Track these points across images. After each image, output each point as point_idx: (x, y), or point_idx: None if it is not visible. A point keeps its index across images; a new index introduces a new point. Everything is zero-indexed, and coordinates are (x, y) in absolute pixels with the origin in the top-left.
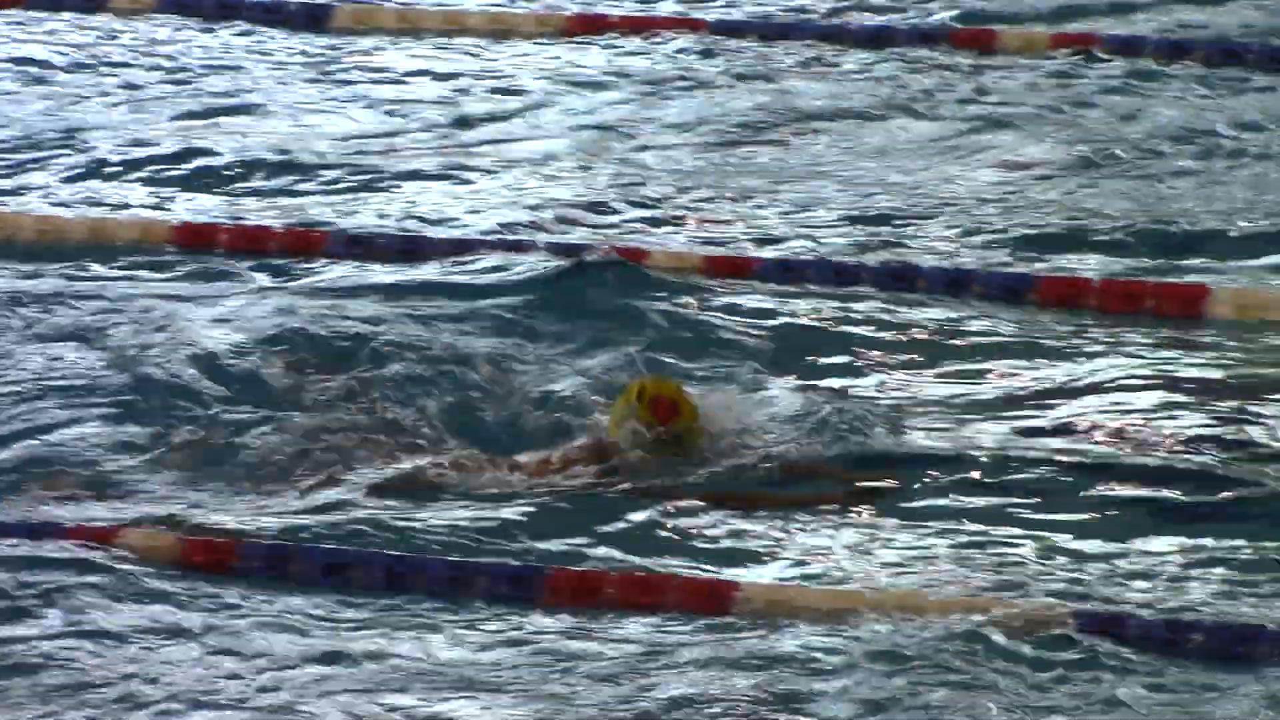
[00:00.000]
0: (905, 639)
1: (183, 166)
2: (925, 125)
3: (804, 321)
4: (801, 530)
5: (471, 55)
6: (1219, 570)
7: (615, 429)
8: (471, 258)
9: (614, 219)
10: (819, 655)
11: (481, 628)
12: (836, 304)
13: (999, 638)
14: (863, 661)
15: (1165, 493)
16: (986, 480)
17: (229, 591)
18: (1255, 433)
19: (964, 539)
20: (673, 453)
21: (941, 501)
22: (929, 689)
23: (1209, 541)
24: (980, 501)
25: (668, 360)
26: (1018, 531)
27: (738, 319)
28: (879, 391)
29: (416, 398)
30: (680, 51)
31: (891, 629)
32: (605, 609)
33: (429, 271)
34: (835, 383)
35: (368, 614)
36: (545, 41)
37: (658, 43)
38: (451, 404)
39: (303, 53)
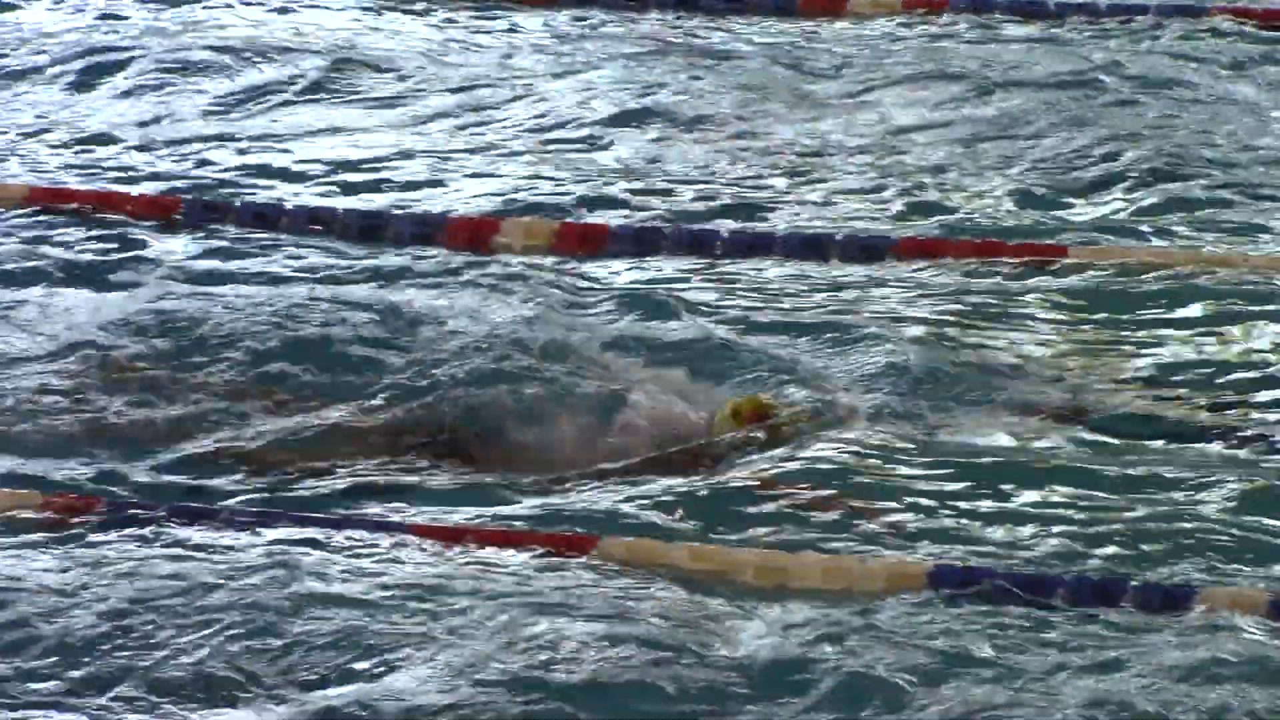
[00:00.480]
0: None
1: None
2: (787, 90)
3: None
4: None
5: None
6: (1079, 526)
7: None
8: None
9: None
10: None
11: None
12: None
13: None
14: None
15: (1031, 446)
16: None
17: None
18: (1112, 390)
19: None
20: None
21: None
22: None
23: (1064, 496)
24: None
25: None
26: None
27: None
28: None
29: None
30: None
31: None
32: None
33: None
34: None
35: None
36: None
37: None
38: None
39: None
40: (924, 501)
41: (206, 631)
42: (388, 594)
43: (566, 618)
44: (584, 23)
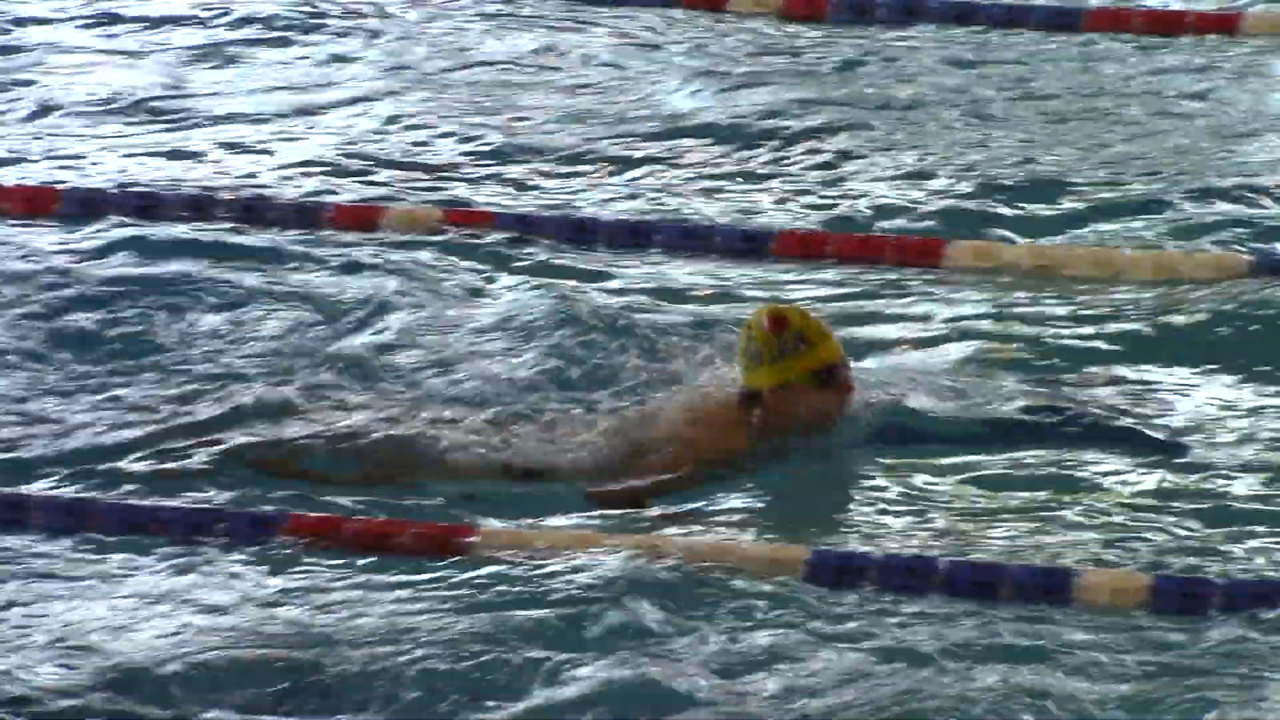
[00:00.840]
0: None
1: None
2: (662, 84)
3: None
4: None
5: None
6: (961, 512)
7: (750, 372)
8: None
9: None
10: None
11: None
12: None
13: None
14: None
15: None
16: None
17: None
18: (986, 378)
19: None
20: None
21: None
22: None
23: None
24: None
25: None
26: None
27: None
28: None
29: None
30: None
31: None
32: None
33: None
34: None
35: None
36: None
37: None
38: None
39: None
40: (798, 490)
41: None
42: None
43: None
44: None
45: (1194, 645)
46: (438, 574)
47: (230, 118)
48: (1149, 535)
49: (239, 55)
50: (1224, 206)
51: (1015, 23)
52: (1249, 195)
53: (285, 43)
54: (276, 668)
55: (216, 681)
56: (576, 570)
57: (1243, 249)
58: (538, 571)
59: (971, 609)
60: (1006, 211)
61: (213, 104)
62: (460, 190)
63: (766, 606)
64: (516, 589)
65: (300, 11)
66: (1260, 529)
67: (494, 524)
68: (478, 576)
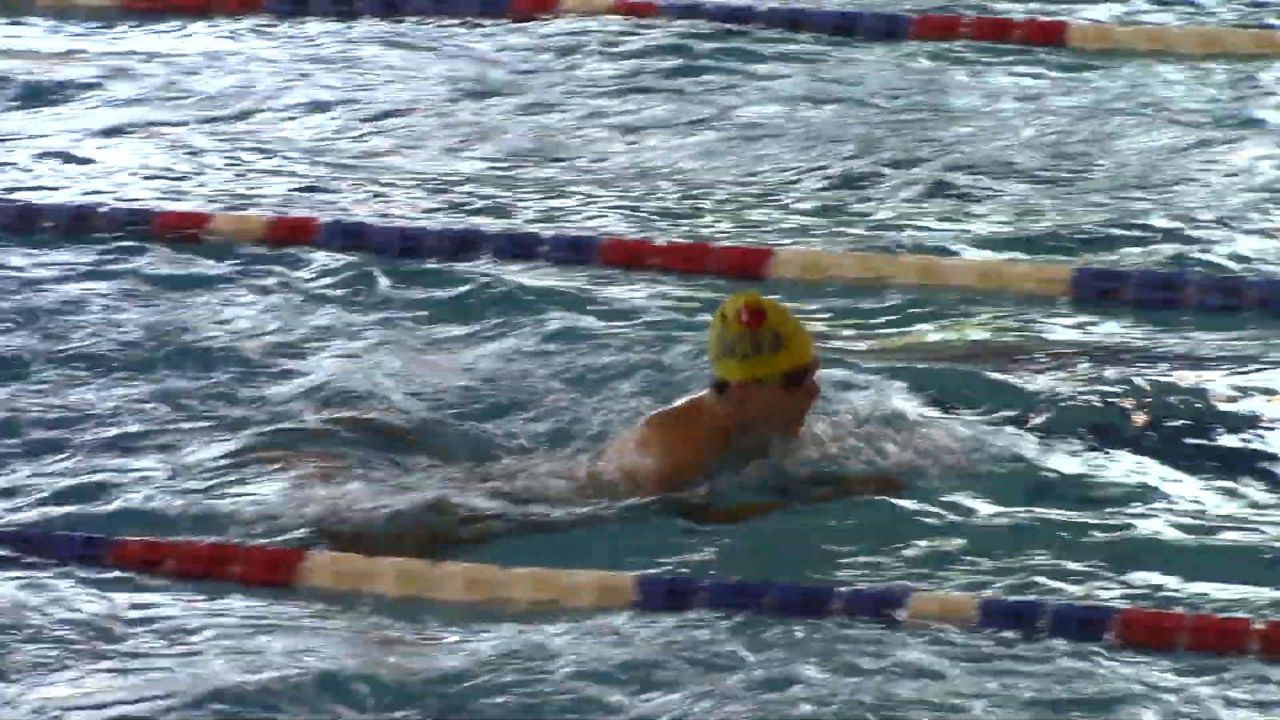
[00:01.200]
0: None
1: None
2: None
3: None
4: None
5: None
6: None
7: (720, 361)
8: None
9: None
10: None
11: None
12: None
13: None
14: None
15: None
16: None
17: None
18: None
19: None
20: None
21: None
22: None
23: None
24: None
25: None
26: None
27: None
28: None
29: None
30: None
31: None
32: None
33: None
34: None
35: None
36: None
37: None
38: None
39: None
40: (628, 515)
41: None
42: None
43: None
44: (286, 24)
45: (1024, 666)
46: (267, 601)
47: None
48: (979, 557)
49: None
50: (1052, 215)
51: (843, 30)
52: (1077, 204)
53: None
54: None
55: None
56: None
57: (1068, 259)
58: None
59: (806, 627)
60: (832, 221)
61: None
62: (289, 199)
63: (598, 633)
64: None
65: None
66: (1086, 553)
67: (323, 553)
68: (305, 604)
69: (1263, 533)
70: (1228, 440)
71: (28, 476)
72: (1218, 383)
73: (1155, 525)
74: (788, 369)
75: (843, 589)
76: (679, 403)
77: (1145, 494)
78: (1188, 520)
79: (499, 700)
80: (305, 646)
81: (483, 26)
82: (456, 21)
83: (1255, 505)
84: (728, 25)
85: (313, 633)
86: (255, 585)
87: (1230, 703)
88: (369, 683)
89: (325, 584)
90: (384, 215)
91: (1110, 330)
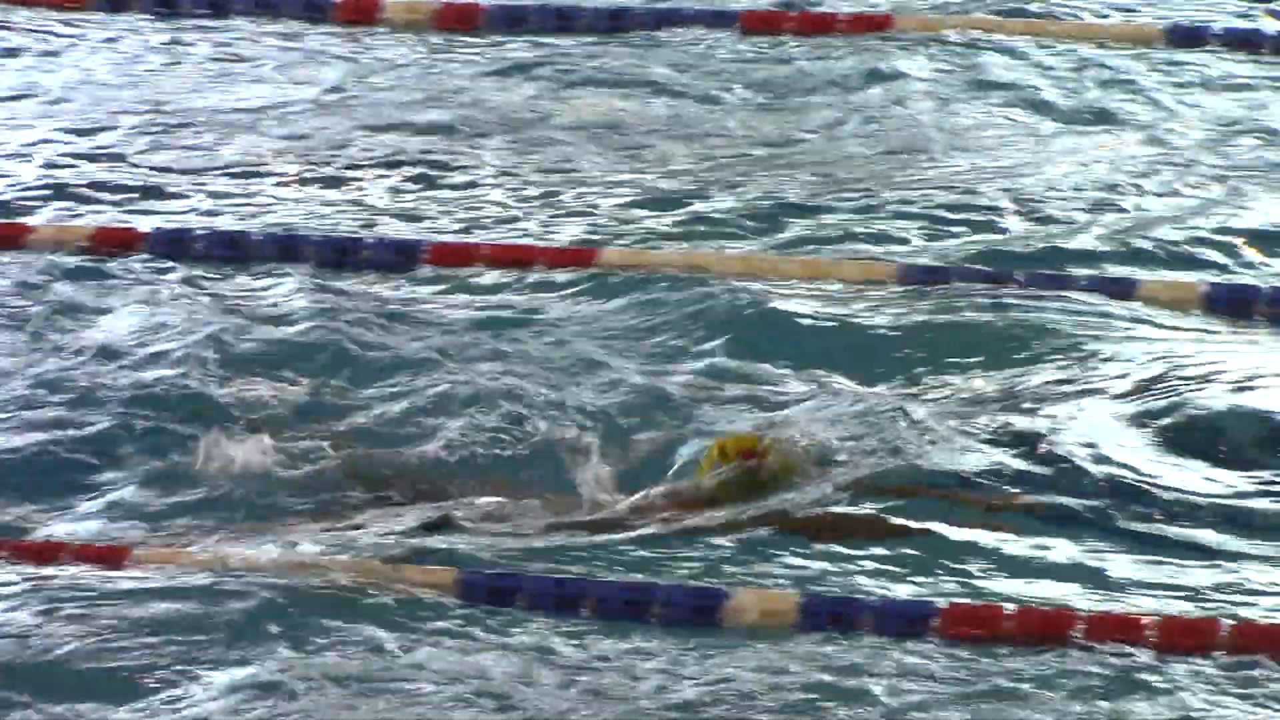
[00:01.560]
0: None
1: None
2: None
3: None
4: None
5: None
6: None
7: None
8: None
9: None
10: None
11: None
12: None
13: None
14: None
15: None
16: None
17: None
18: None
19: None
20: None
21: None
22: None
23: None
24: None
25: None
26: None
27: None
28: None
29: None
30: None
31: None
32: None
33: None
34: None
35: None
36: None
37: None
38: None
39: None
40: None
41: None
42: None
43: None
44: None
45: (845, 664)
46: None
47: None
48: (797, 558)
49: None
50: (877, 212)
51: (669, 23)
52: (901, 201)
53: None
54: None
55: None
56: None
57: (893, 256)
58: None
59: (625, 628)
60: (658, 217)
61: None
62: (109, 208)
63: (416, 624)
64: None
65: None
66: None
67: (150, 543)
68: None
69: (1083, 531)
70: (1022, 422)
71: None
72: (1038, 377)
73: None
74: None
75: (665, 585)
76: None
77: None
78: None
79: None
80: None
81: (306, 32)
82: (279, 26)
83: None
84: (549, 36)
85: None
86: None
87: (1057, 689)
88: None
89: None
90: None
91: (942, 320)
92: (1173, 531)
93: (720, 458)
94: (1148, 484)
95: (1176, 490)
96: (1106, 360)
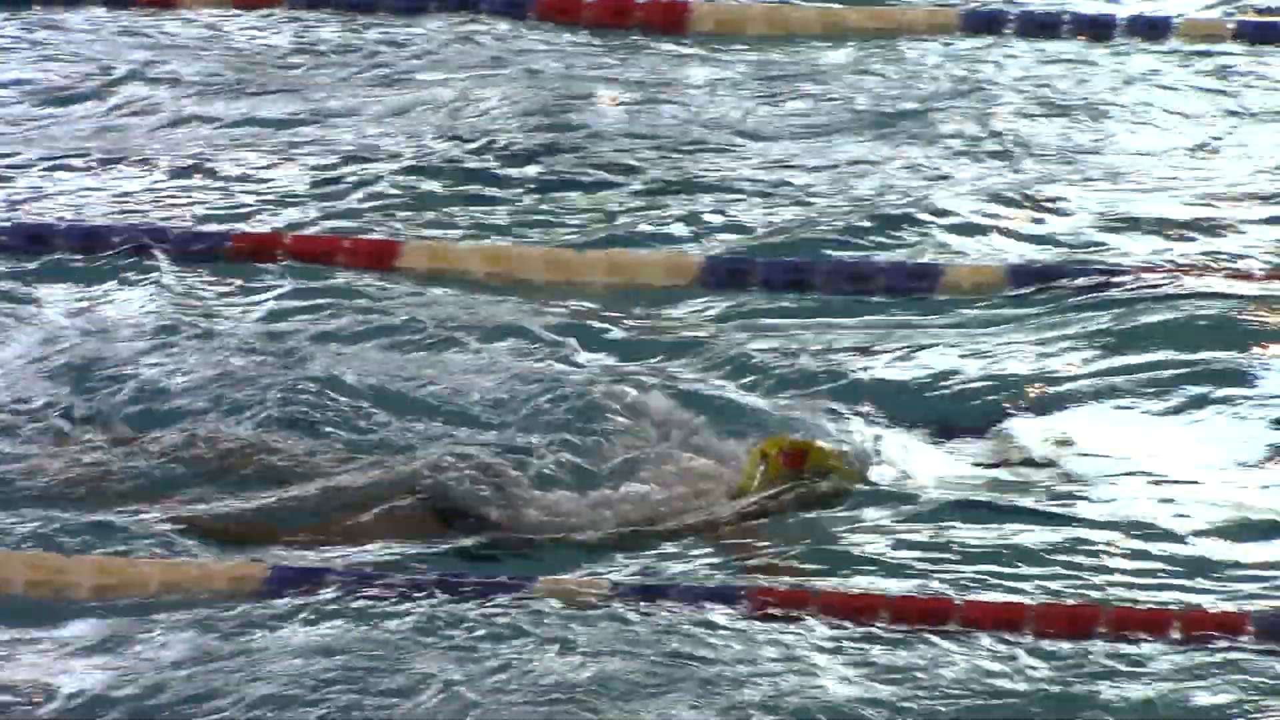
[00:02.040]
0: None
1: None
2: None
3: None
4: None
5: None
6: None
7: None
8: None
9: None
10: None
11: None
12: None
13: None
14: None
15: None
16: None
17: None
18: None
19: None
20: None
21: None
22: None
23: None
24: None
25: None
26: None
27: None
28: None
29: None
30: None
31: None
32: None
33: None
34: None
35: None
36: None
37: None
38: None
39: None
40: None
41: None
42: None
43: None
44: None
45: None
46: None
47: None
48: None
49: None
50: (676, 208)
51: (466, 8)
52: (702, 194)
53: None
54: None
55: None
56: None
57: (695, 250)
58: None
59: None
60: (461, 212)
61: None
62: None
63: (228, 620)
64: None
65: None
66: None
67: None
68: None
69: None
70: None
71: None
72: (854, 360)
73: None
74: (835, 492)
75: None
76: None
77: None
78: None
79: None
80: None
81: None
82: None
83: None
84: (353, 14)
85: None
86: None
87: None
88: None
89: None
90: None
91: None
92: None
93: (763, 460)
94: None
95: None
96: (909, 352)
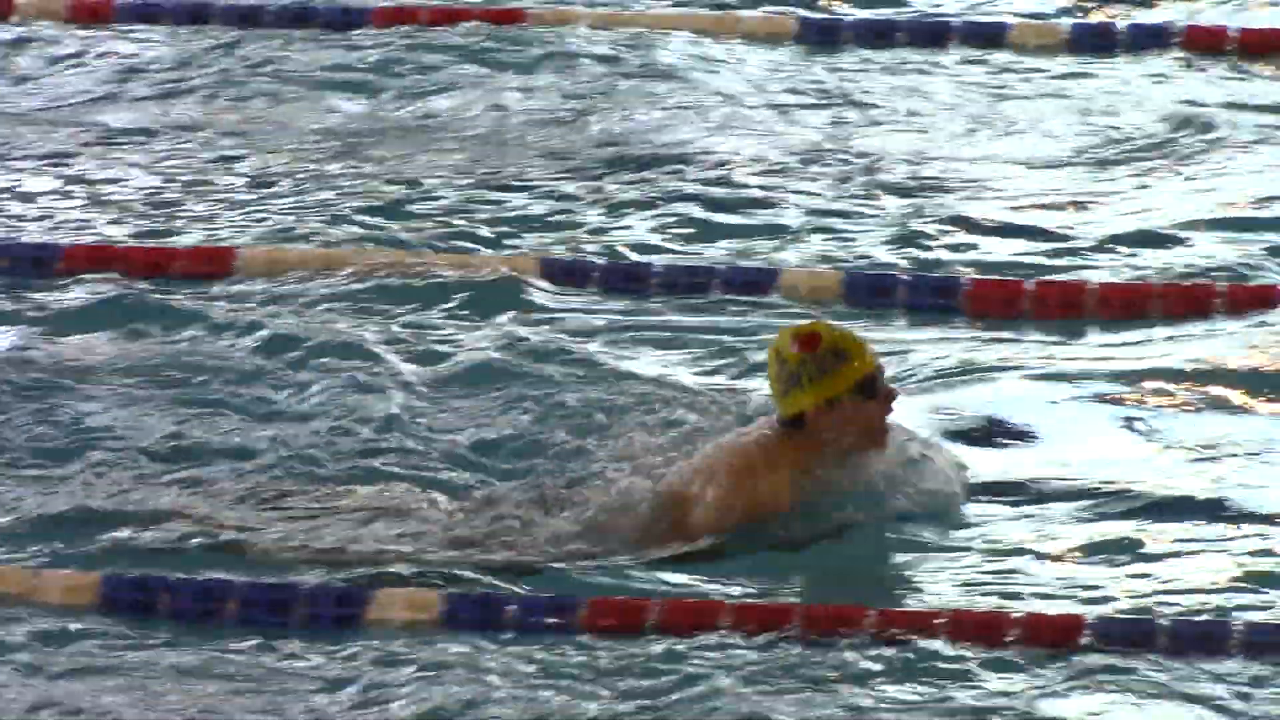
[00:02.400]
0: None
1: None
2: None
3: None
4: None
5: None
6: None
7: (788, 398)
8: None
9: None
10: None
11: None
12: None
13: None
14: None
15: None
16: None
17: None
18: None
19: None
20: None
21: None
22: None
23: None
24: None
25: None
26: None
27: None
28: None
29: None
30: None
31: None
32: None
33: None
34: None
35: None
36: None
37: None
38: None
39: None
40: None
41: None
42: None
43: None
44: None
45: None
46: None
47: None
48: None
49: None
50: (509, 205)
51: (302, 22)
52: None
53: None
54: None
55: None
56: None
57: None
58: None
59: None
60: (295, 218)
61: None
62: None
63: (63, 633)
64: None
65: None
66: None
67: None
68: None
69: None
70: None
71: None
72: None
73: None
74: (858, 380)
75: (307, 585)
76: (748, 447)
77: None
78: None
79: None
80: None
81: None
82: None
83: None
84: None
85: None
86: None
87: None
88: None
89: None
90: None
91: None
92: None
93: (778, 358)
94: None
95: None
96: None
